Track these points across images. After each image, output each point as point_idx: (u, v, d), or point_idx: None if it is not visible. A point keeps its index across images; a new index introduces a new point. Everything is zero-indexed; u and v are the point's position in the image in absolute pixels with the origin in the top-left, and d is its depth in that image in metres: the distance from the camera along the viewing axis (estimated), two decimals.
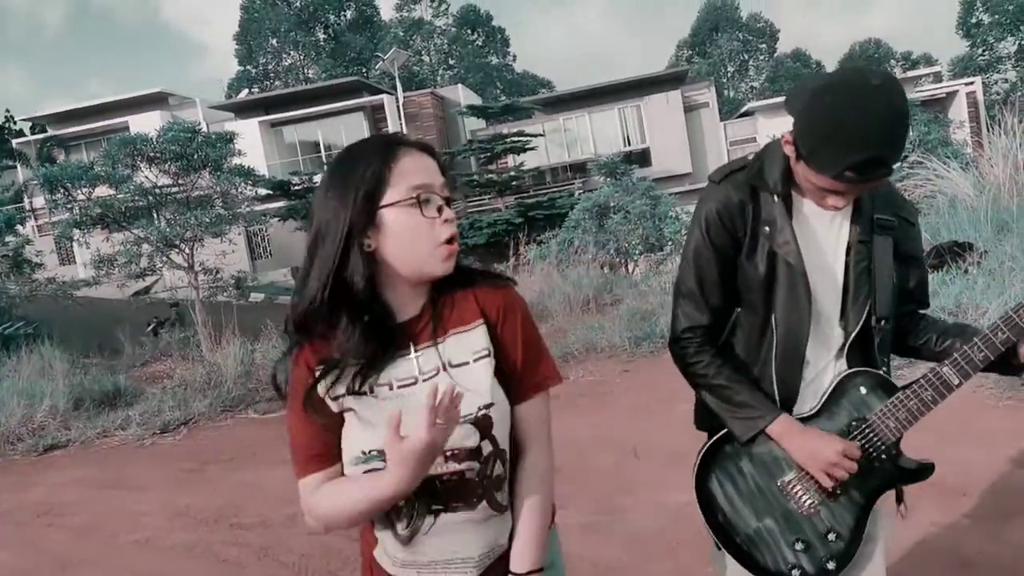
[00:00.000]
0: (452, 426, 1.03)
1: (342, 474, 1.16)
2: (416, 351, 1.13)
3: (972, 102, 25.90)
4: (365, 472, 1.11)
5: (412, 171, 1.10)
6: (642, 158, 23.90)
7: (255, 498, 4.27)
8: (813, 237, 1.41)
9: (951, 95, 26.02)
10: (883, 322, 1.43)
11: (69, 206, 10.61)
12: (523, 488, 1.19)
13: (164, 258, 10.56)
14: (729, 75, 51.25)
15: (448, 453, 1.11)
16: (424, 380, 1.12)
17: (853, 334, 1.42)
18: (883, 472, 1.41)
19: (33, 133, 29.76)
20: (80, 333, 10.64)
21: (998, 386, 4.00)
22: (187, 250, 10.49)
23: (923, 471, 1.43)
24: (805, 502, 1.42)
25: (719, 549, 1.47)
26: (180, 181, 10.87)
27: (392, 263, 1.11)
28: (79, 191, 10.48)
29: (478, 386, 1.12)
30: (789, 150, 1.34)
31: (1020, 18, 42.84)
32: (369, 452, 1.11)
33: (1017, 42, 43.90)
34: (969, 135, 16.46)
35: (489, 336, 1.16)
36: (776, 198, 1.38)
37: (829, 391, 1.43)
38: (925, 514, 2.85)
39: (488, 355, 1.14)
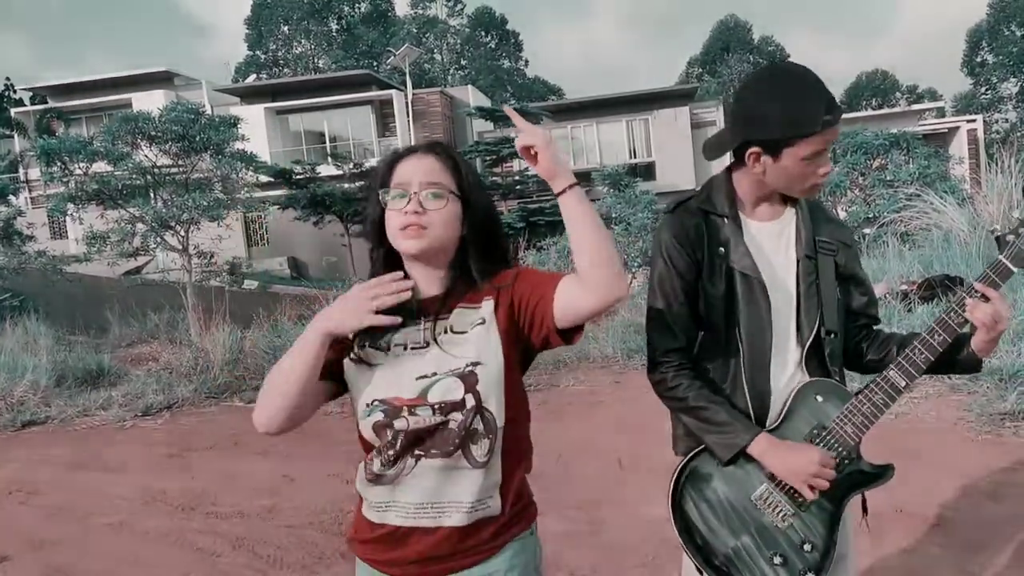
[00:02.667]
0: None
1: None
2: (423, 323, 1.31)
3: (973, 139, 26.06)
4: (372, 424, 1.28)
5: (401, 173, 1.32)
6: (647, 172, 23.96)
7: (234, 488, 4.24)
8: (764, 253, 1.51)
9: (953, 131, 26.17)
10: (831, 335, 1.51)
11: (65, 180, 10.55)
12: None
13: (158, 239, 10.51)
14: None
15: (436, 406, 1.25)
16: (431, 345, 1.29)
17: (807, 344, 1.49)
18: (848, 477, 1.46)
19: (33, 103, 29.60)
20: (67, 309, 10.58)
21: (978, 420, 4.04)
22: (182, 232, 10.44)
23: (884, 473, 1.48)
24: (778, 514, 1.46)
25: (701, 574, 1.48)
26: (180, 162, 10.82)
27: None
28: (76, 165, 10.41)
29: (468, 347, 1.28)
30: (758, 166, 1.45)
31: (1023, 60, 43.22)
32: (372, 403, 1.28)
33: (1019, 83, 44.29)
34: (968, 172, 16.55)
35: (500, 304, 1.31)
36: (726, 220, 1.50)
37: (788, 403, 1.48)
38: (896, 542, 2.88)
39: (483, 323, 1.30)
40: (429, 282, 1.34)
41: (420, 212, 1.28)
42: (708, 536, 1.47)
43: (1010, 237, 1.44)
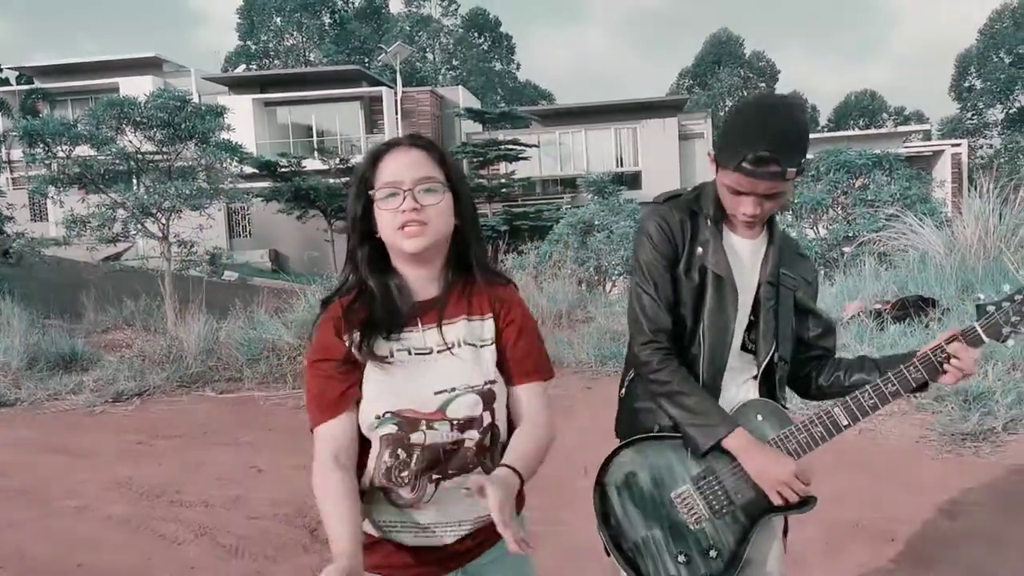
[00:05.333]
0: None
1: (358, 429, 1.28)
2: (423, 327, 1.29)
3: (956, 163, 26.47)
4: (382, 436, 1.23)
5: (389, 170, 1.29)
6: (633, 180, 24.09)
7: (200, 477, 4.22)
8: (739, 264, 1.56)
9: (937, 154, 26.57)
10: (783, 362, 1.56)
11: (47, 162, 10.42)
12: (513, 439, 1.31)
13: (139, 225, 10.41)
14: (726, 108, 51.85)
15: (454, 422, 1.24)
16: (438, 352, 1.28)
17: (763, 364, 1.54)
18: (768, 498, 1.48)
19: (18, 83, 29.18)
20: (43, 292, 10.45)
21: (940, 439, 4.10)
22: (163, 220, 10.35)
23: (807, 502, 1.51)
24: (692, 516, 1.50)
25: (608, 555, 1.54)
26: (164, 149, 10.74)
27: (387, 247, 1.32)
28: (59, 147, 10.30)
29: (485, 365, 1.29)
30: (711, 165, 1.52)
31: (1010, 87, 44.03)
32: (383, 415, 1.24)
33: (1005, 110, 45.06)
34: (949, 195, 16.84)
35: (501, 330, 1.32)
36: (709, 222, 1.55)
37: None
38: (853, 556, 2.93)
39: (491, 343, 1.31)
40: (424, 283, 1.32)
41: (418, 209, 1.26)
42: (623, 521, 1.52)
43: (990, 308, 1.46)
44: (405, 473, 1.23)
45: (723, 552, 1.48)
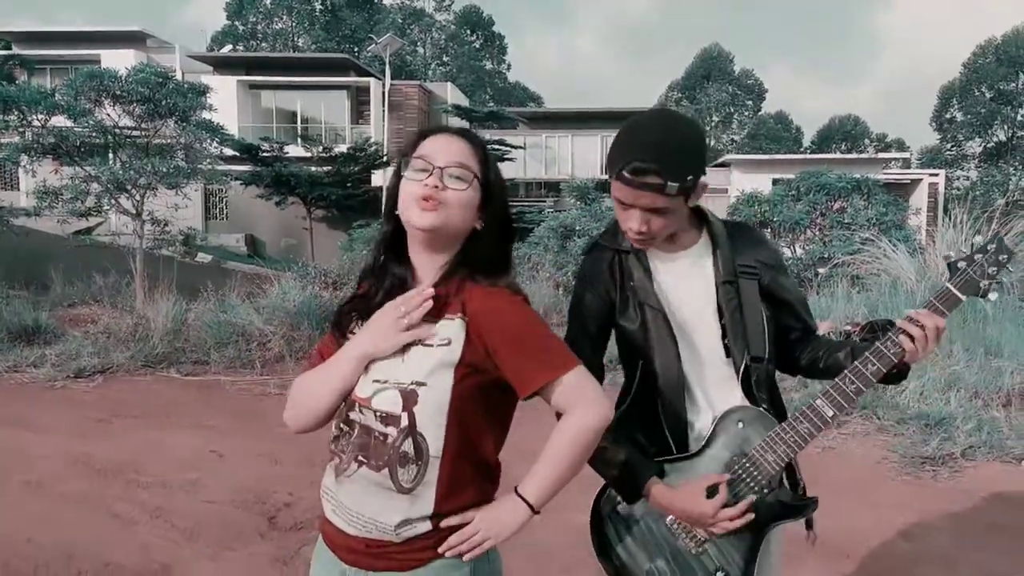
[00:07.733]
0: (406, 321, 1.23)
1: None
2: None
3: (933, 193, 26.94)
4: (340, 409, 1.30)
5: (427, 147, 1.26)
6: None
7: (159, 458, 4.14)
8: (674, 285, 1.50)
9: (915, 182, 27.02)
10: (758, 361, 1.48)
11: (21, 130, 10.16)
12: (550, 439, 1.26)
13: (112, 201, 10.19)
14: (713, 124, 52.25)
15: (378, 413, 1.23)
16: (404, 346, 1.24)
17: (742, 368, 1.47)
18: (767, 506, 1.42)
19: None
20: (9, 262, 10.21)
21: (901, 462, 4.19)
22: (138, 196, 10.15)
23: (807, 505, 1.46)
24: (693, 540, 1.44)
25: None
26: (143, 125, 10.50)
27: (403, 223, 1.28)
28: (35, 116, 10.05)
29: (420, 365, 1.22)
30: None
31: (989, 122, 45.03)
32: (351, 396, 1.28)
33: (983, 144, 46.09)
34: (924, 223, 17.14)
35: (467, 333, 1.23)
36: (630, 255, 1.50)
37: (711, 429, 1.46)
38: (808, 570, 2.94)
39: (448, 344, 1.22)
40: (425, 271, 1.29)
41: (440, 187, 1.22)
42: (624, 557, 1.47)
43: (962, 264, 1.39)
44: (343, 443, 1.27)
45: (732, 572, 1.42)
